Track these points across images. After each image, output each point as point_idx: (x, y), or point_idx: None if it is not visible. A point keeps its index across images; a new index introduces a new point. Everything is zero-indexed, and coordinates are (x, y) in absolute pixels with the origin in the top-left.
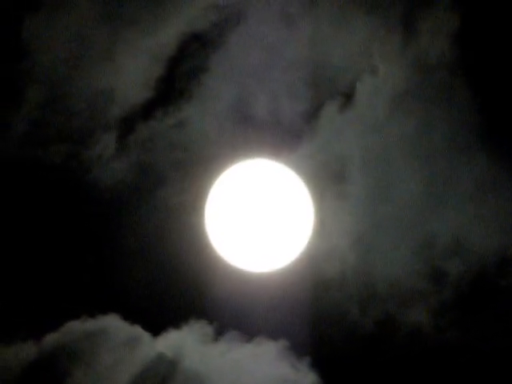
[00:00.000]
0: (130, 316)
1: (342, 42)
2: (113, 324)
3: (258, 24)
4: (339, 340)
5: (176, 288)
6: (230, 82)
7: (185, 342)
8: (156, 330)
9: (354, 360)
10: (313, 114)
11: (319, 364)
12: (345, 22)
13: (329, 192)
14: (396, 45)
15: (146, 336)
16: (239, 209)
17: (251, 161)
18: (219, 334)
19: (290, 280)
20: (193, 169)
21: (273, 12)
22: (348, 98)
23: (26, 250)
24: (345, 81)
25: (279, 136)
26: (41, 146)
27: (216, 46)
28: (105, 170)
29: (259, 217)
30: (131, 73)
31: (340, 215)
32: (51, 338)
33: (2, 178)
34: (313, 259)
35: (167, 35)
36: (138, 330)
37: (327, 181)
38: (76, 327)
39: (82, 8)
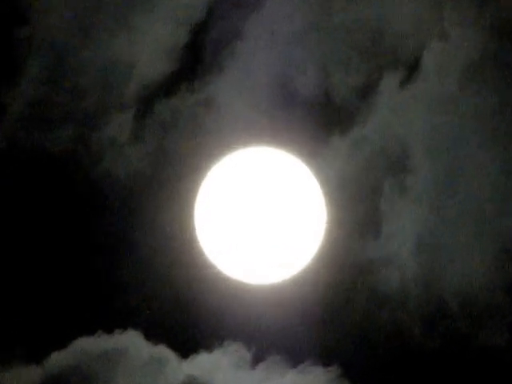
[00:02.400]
0: (153, 334)
1: (405, 3)
2: (133, 342)
3: None
4: (401, 364)
5: (178, 304)
6: (268, 51)
7: (217, 367)
8: (183, 351)
9: None
10: (369, 90)
11: None
12: None
13: (387, 183)
14: (471, 6)
15: (172, 357)
16: (234, 206)
17: (253, 149)
18: (258, 358)
19: (301, 292)
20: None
21: None
22: (412, 69)
23: (26, 254)
24: (408, 49)
25: (328, 116)
26: (42, 129)
27: (252, 8)
28: (118, 158)
29: (260, 217)
30: (151, 41)
31: (399, 213)
32: (57, 358)
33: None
34: (329, 266)
35: None
36: (162, 350)
37: (385, 170)
38: (88, 345)
39: None
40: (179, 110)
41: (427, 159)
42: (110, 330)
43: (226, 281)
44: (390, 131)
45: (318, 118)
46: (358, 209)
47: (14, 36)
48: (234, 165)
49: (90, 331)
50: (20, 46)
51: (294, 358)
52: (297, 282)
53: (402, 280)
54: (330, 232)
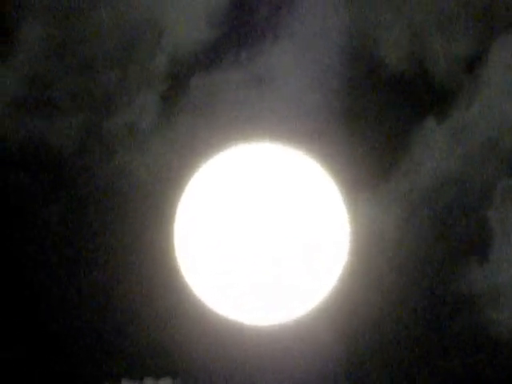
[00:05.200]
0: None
1: None
2: None
3: None
4: None
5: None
6: (343, 10)
7: None
8: None
9: None
10: (476, 61)
11: None
12: None
13: (499, 188)
14: None
15: None
16: (228, 223)
17: (254, 144)
18: None
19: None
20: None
21: None
22: None
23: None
24: None
25: (421, 97)
26: (43, 115)
27: None
28: (138, 152)
29: (260, 235)
30: None
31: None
32: None
33: None
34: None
35: None
36: None
37: (496, 169)
38: None
39: None
40: (220, 89)
41: None
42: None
43: (219, 322)
44: (502, 116)
45: (406, 100)
46: (456, 223)
47: None
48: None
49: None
50: (13, 7)
51: None
52: (307, 323)
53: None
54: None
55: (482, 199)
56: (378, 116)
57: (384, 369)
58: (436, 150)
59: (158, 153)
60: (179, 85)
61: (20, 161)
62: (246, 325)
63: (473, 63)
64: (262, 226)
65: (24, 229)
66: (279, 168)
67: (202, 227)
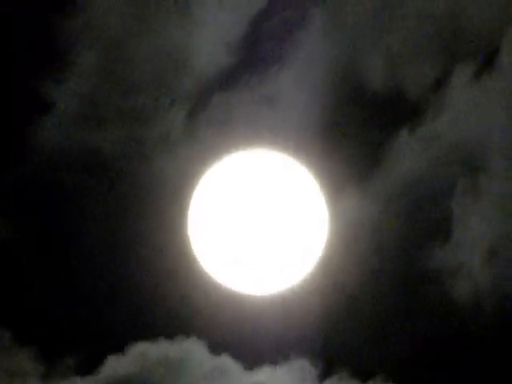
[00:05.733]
0: (213, 341)
1: None
2: (195, 350)
3: None
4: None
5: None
6: (333, 43)
7: (282, 381)
8: (247, 364)
9: None
10: (440, 83)
11: None
12: None
13: (459, 185)
14: None
15: (236, 369)
16: (232, 212)
17: (249, 151)
18: (325, 375)
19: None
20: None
21: None
22: (489, 59)
23: (86, 254)
24: (485, 37)
25: (396, 112)
26: (92, 127)
27: None
28: (170, 157)
29: (258, 223)
30: (208, 31)
31: (473, 218)
32: (113, 363)
33: (43, 171)
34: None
35: None
36: (226, 360)
37: (457, 170)
38: (146, 350)
39: None
40: (236, 106)
41: (503, 158)
42: (170, 336)
43: (225, 293)
44: (463, 127)
45: (383, 115)
46: (425, 213)
47: (62, 26)
48: (224, 168)
49: (146, 337)
50: (68, 37)
51: (361, 371)
52: (299, 291)
53: (471, 290)
54: (335, 239)
55: (446, 194)
56: (359, 128)
57: (362, 334)
58: (408, 155)
59: (184, 157)
60: (202, 103)
61: (76, 165)
62: (244, 294)
63: (439, 84)
64: (259, 213)
65: (78, 219)
66: (275, 170)
67: (212, 215)
